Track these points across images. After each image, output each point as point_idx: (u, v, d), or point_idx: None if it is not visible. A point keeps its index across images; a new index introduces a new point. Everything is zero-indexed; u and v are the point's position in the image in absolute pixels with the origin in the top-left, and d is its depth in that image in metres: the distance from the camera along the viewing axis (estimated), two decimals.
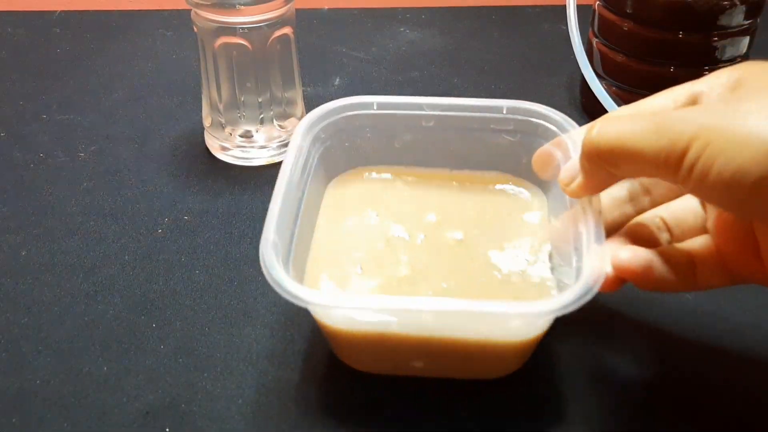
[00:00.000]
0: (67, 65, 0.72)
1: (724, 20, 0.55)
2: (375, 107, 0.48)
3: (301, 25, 0.57)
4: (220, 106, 0.57)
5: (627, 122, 0.34)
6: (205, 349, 0.44)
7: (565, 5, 0.59)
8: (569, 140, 0.42)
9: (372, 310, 0.38)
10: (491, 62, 0.73)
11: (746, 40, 0.58)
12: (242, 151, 0.58)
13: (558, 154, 0.42)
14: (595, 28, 0.61)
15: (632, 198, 0.41)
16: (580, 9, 0.59)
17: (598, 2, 0.61)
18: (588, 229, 0.38)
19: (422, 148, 0.49)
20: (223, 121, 0.58)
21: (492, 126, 0.48)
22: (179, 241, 0.52)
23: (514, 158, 0.48)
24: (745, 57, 0.59)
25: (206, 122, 0.59)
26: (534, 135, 0.47)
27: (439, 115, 0.48)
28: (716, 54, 0.57)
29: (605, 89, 0.59)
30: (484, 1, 0.83)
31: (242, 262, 0.50)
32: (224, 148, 0.59)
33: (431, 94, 0.67)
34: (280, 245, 0.38)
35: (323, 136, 0.47)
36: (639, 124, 0.34)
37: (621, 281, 0.37)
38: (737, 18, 0.56)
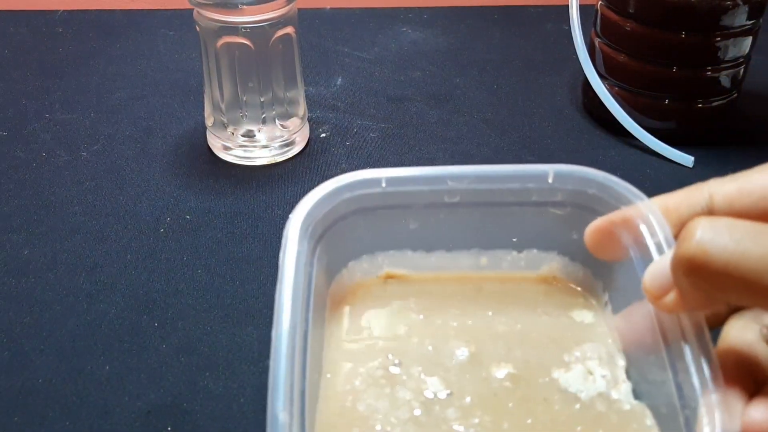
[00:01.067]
0: (69, 64, 0.72)
1: (726, 20, 0.55)
2: (384, 184, 0.38)
3: (304, 24, 0.57)
4: (223, 106, 0.57)
5: (743, 235, 0.26)
6: (207, 349, 0.44)
7: (567, 5, 0.59)
8: (639, 219, 0.34)
9: None
10: (493, 62, 0.73)
11: (749, 40, 0.58)
12: (244, 150, 0.58)
13: (624, 236, 0.35)
14: (598, 28, 0.61)
15: None
16: (583, 9, 0.59)
17: (600, 2, 0.61)
18: (695, 358, 0.30)
19: (445, 228, 0.40)
20: (225, 120, 0.58)
21: (534, 198, 0.38)
22: (181, 240, 0.52)
23: (561, 234, 0.40)
24: (747, 58, 0.59)
25: (208, 122, 0.59)
26: (587, 208, 0.38)
27: (466, 189, 0.38)
28: (719, 54, 0.57)
29: (607, 89, 0.59)
30: (486, 0, 0.83)
31: (244, 261, 0.50)
32: (226, 148, 0.59)
33: (432, 94, 0.67)
34: (294, 414, 0.29)
35: (321, 228, 0.37)
36: (763, 242, 0.26)
37: None
38: (740, 18, 0.55)
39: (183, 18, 0.80)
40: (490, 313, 0.39)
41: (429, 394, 0.35)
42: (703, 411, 0.29)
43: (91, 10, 0.81)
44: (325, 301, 0.39)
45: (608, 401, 0.35)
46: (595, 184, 0.37)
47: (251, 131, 0.58)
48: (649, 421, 0.34)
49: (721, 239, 0.26)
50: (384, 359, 0.37)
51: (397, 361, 0.37)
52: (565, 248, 0.40)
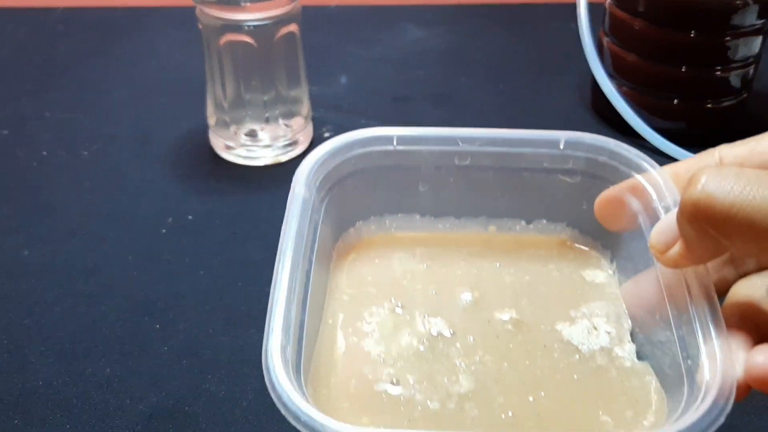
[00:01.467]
0: (69, 62, 0.72)
1: (736, 20, 0.55)
2: (395, 142, 0.38)
3: (307, 22, 0.56)
4: (225, 105, 0.56)
5: (748, 181, 0.26)
6: (209, 351, 0.44)
7: (574, 3, 0.59)
8: (648, 185, 0.34)
9: None
10: (499, 61, 0.72)
11: (759, 40, 0.57)
12: (247, 150, 0.57)
13: (633, 202, 0.35)
14: (606, 27, 0.61)
15: (734, 258, 0.33)
16: (591, 7, 0.59)
17: (609, 1, 0.60)
18: (699, 312, 0.30)
19: (455, 192, 0.40)
20: (227, 119, 0.57)
21: (545, 164, 0.39)
22: (183, 241, 0.51)
23: (571, 204, 0.39)
24: (757, 57, 0.58)
25: (211, 121, 0.58)
26: (599, 177, 0.38)
27: (477, 151, 0.38)
28: (728, 54, 0.56)
29: (616, 89, 0.58)
30: None
31: (246, 263, 0.49)
32: (229, 147, 0.58)
33: (437, 93, 0.67)
34: (290, 352, 0.30)
35: (330, 182, 0.38)
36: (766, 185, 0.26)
37: (749, 389, 0.28)
38: (750, 18, 0.55)
39: (185, 16, 0.79)
40: (498, 265, 0.39)
41: (433, 332, 0.36)
42: (704, 358, 0.29)
43: (91, 7, 0.81)
44: (330, 254, 0.39)
45: (609, 356, 0.35)
46: (606, 151, 0.37)
47: (254, 130, 0.57)
48: (651, 378, 0.34)
49: (726, 184, 0.26)
50: (388, 303, 0.37)
51: (400, 304, 0.37)
52: (574, 219, 0.40)
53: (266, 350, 0.29)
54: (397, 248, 0.40)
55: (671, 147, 0.57)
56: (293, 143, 0.58)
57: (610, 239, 0.39)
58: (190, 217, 0.53)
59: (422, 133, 0.38)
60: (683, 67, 0.57)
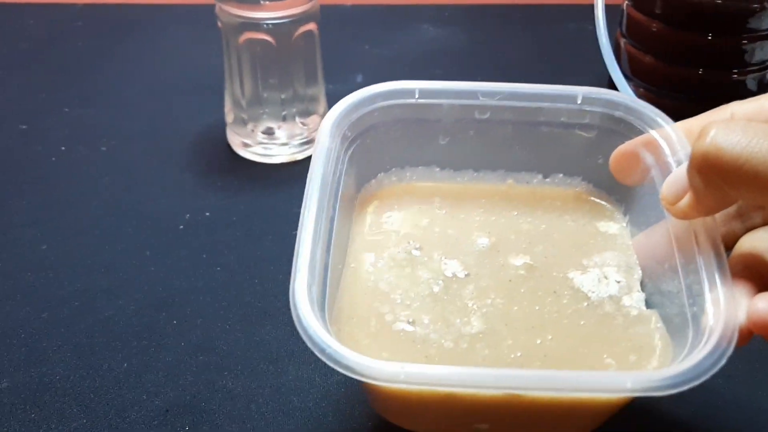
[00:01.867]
0: (88, 58, 0.72)
1: (753, 23, 0.54)
2: (417, 95, 0.39)
3: (324, 20, 0.56)
4: (243, 102, 0.57)
5: (755, 134, 0.28)
6: (225, 347, 0.44)
7: (591, 4, 0.58)
8: (662, 140, 0.35)
9: (451, 385, 0.29)
10: (515, 61, 0.72)
11: None
12: (264, 148, 0.58)
13: (647, 157, 0.36)
14: (623, 29, 0.61)
15: (741, 212, 0.34)
16: (608, 8, 0.58)
17: (626, 2, 0.60)
18: (706, 261, 0.31)
19: (474, 146, 0.41)
20: (245, 117, 0.57)
21: (563, 119, 0.40)
22: (200, 237, 0.52)
23: (587, 159, 0.41)
24: None
25: (228, 118, 0.59)
26: (615, 132, 0.39)
27: (496, 105, 0.39)
28: (745, 57, 0.56)
29: (633, 90, 0.58)
30: None
31: (262, 259, 0.50)
32: (246, 145, 0.58)
33: None
34: (316, 291, 0.31)
35: (353, 132, 0.39)
36: None
37: (750, 335, 0.30)
38: (766, 21, 0.55)
39: (204, 13, 0.79)
40: (515, 213, 0.41)
41: (448, 273, 0.37)
42: (709, 304, 0.30)
43: (111, 3, 0.81)
44: (353, 202, 0.41)
45: (617, 305, 0.36)
46: (623, 107, 0.38)
47: (271, 128, 0.58)
48: (657, 325, 0.35)
49: (734, 136, 0.28)
50: (406, 245, 0.39)
51: (418, 245, 0.39)
52: (590, 173, 0.42)
53: (293, 288, 0.31)
54: (417, 197, 0.42)
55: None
56: (309, 141, 0.58)
57: (624, 193, 0.40)
58: (207, 213, 0.54)
59: (443, 87, 0.39)
60: (700, 70, 0.57)
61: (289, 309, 0.46)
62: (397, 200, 0.42)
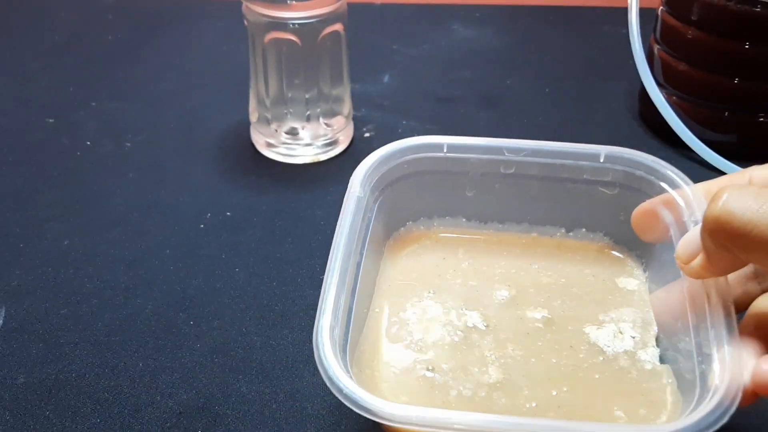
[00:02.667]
0: (117, 52, 0.72)
1: None
2: (445, 149, 0.42)
3: (352, 19, 0.56)
4: (267, 102, 0.56)
5: (766, 200, 0.28)
6: (241, 350, 0.44)
7: (626, 8, 0.57)
8: (681, 200, 0.37)
9: (462, 430, 0.30)
10: (547, 64, 0.71)
11: None
12: (287, 148, 0.57)
13: (666, 215, 0.37)
14: (658, 35, 0.59)
15: (758, 273, 0.35)
16: (643, 13, 0.57)
17: (661, 7, 0.58)
18: (714, 320, 0.32)
19: (500, 199, 0.43)
20: (269, 116, 0.57)
21: (586, 176, 0.41)
22: (221, 237, 0.51)
23: (609, 215, 0.42)
24: None
25: (252, 117, 0.58)
26: (636, 190, 0.40)
27: (521, 161, 0.41)
28: None
29: (665, 98, 0.57)
30: (541, 0, 0.81)
31: (283, 262, 0.49)
32: (269, 145, 0.58)
33: (482, 95, 0.66)
34: (338, 333, 0.33)
35: (383, 182, 0.41)
36: None
37: (756, 396, 0.30)
38: None
39: (232, 9, 0.79)
40: (536, 266, 0.43)
41: (469, 324, 0.39)
42: (716, 363, 0.31)
43: None
44: (381, 249, 0.43)
45: (632, 359, 0.37)
46: (644, 166, 0.40)
47: (295, 128, 0.57)
48: (670, 381, 0.36)
49: (745, 201, 0.29)
50: (429, 295, 0.41)
51: (441, 295, 0.41)
52: (612, 229, 0.43)
53: (317, 329, 0.32)
54: (443, 247, 0.44)
55: (720, 160, 0.56)
56: (333, 142, 0.58)
57: (644, 249, 0.42)
58: (228, 213, 0.53)
59: (471, 143, 0.42)
60: (736, 79, 0.55)
61: (306, 314, 0.46)
62: (423, 249, 0.44)
